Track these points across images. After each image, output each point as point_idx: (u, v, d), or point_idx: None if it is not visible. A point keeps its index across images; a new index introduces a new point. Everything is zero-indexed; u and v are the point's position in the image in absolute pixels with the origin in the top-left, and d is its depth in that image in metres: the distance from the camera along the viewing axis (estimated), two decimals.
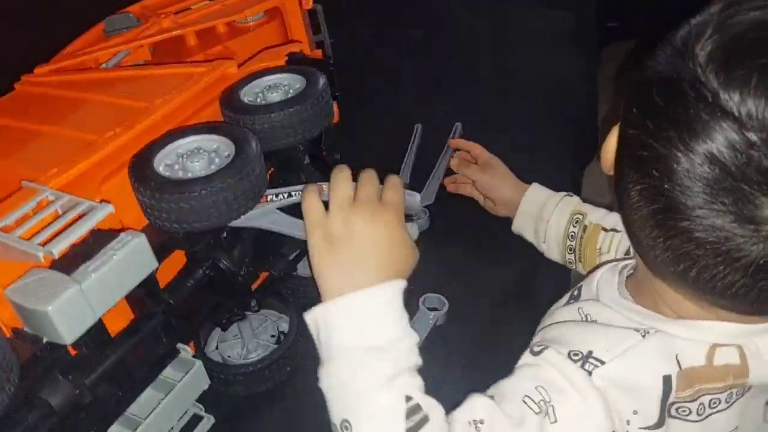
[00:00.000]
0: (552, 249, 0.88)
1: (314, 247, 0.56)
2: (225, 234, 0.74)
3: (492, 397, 0.53)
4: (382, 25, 1.69)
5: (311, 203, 0.58)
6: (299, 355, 0.85)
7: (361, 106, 1.42)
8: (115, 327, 0.70)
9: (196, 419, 0.80)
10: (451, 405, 0.53)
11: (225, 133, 0.70)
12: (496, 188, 0.96)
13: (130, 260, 0.64)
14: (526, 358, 0.55)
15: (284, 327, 0.89)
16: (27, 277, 0.61)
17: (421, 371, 0.54)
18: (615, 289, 0.57)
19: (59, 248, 0.58)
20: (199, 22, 1.02)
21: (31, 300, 0.58)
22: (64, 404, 0.62)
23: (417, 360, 0.54)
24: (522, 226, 0.93)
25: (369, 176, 0.60)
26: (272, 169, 0.86)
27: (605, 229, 0.80)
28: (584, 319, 0.57)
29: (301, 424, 0.81)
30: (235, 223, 0.70)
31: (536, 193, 0.91)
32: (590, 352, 0.51)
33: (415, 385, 0.52)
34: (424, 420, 0.50)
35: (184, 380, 0.74)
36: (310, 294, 0.76)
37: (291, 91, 0.79)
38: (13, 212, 0.62)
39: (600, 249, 0.80)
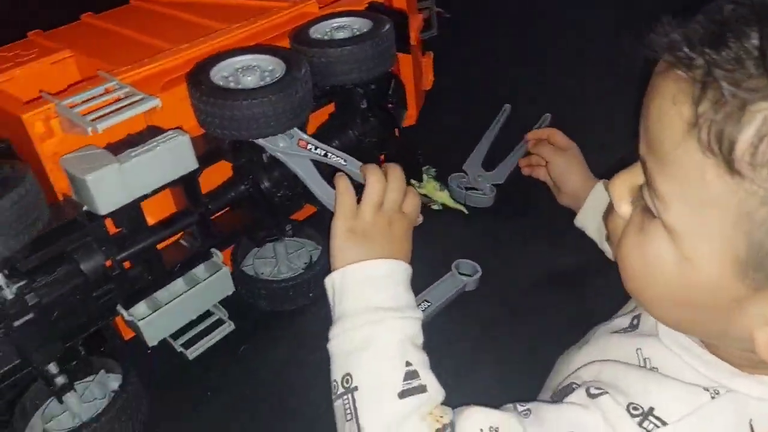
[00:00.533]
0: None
1: (337, 234, 0.58)
2: (267, 156, 0.79)
3: (524, 414, 0.50)
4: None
5: (344, 196, 0.60)
6: (321, 286, 0.89)
7: (456, 77, 1.44)
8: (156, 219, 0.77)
9: (220, 323, 0.86)
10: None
11: (280, 56, 0.75)
12: (567, 175, 0.91)
13: (172, 154, 0.70)
14: (580, 396, 0.49)
15: (317, 257, 0.93)
16: (80, 151, 0.69)
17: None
18: None
19: (104, 125, 0.65)
20: None
21: (77, 169, 0.66)
22: (93, 270, 0.70)
23: (420, 335, 0.54)
24: (585, 221, 0.87)
25: (396, 184, 0.61)
26: (332, 107, 0.91)
27: None
28: (643, 364, 0.50)
29: (310, 351, 0.84)
30: (271, 153, 0.75)
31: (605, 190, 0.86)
32: (651, 409, 0.45)
33: (417, 356, 0.52)
34: (421, 389, 0.50)
35: (209, 279, 0.80)
36: None
37: (356, 32, 0.82)
38: (82, 93, 0.70)
39: None
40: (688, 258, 0.41)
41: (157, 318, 0.76)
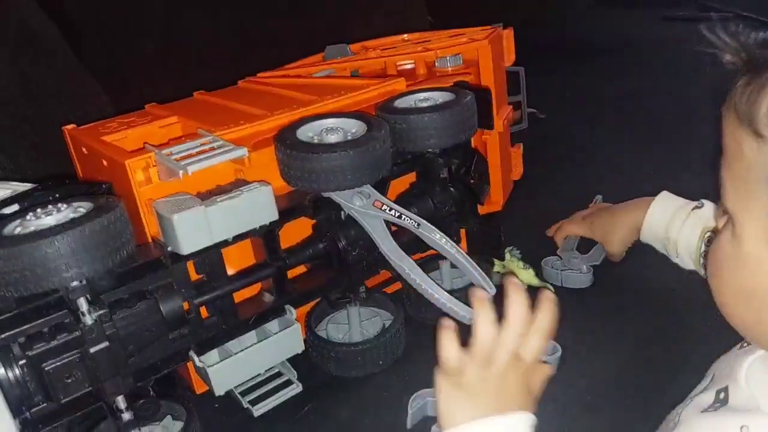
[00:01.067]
0: (686, 262, 0.86)
1: (442, 389, 0.57)
2: (344, 214, 0.81)
3: None
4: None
5: (448, 349, 0.57)
6: (393, 353, 0.88)
7: (547, 170, 1.44)
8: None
9: (288, 383, 0.85)
10: None
11: (363, 119, 0.79)
12: (611, 221, 0.97)
13: (255, 202, 0.74)
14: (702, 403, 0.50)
15: (390, 325, 0.92)
16: (172, 196, 0.74)
17: None
18: None
19: (194, 168, 0.70)
20: (398, 56, 1.15)
21: (165, 209, 0.71)
22: (171, 310, 0.72)
23: None
24: (650, 234, 0.93)
25: (512, 328, 0.56)
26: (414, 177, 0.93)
27: None
28: None
29: (373, 416, 0.82)
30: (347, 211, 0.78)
31: (660, 210, 0.90)
32: None
33: None
34: None
35: (280, 334, 0.80)
36: (429, 304, 0.80)
37: (438, 103, 0.85)
38: (180, 145, 0.76)
39: None
40: (738, 236, 0.45)
41: (226, 366, 0.77)
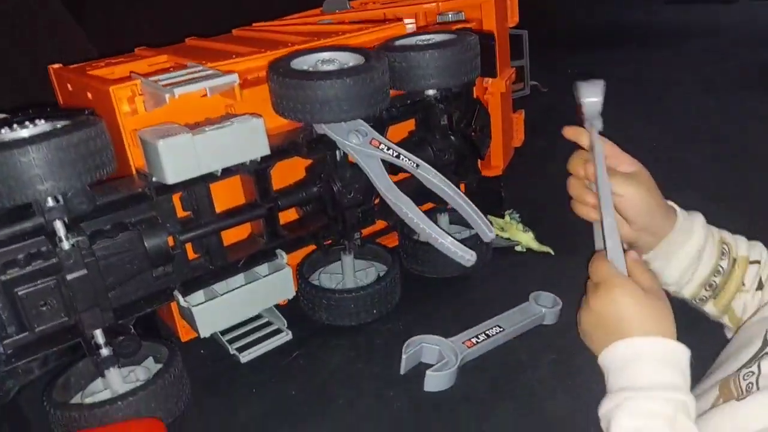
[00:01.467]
0: (689, 287, 0.69)
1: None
2: (340, 154, 0.77)
3: None
4: None
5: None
6: (387, 303, 0.84)
7: (548, 141, 1.41)
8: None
9: (278, 332, 0.82)
10: None
11: (360, 53, 0.75)
12: (644, 209, 0.65)
13: (245, 134, 0.70)
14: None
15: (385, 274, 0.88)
16: (159, 126, 0.70)
17: None
18: None
19: (180, 90, 0.66)
20: (399, 8, 1.11)
21: (151, 137, 0.67)
22: (155, 245, 0.69)
23: (683, 421, 0.49)
24: (666, 262, 0.68)
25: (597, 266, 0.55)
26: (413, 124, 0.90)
27: (752, 262, 0.66)
28: None
29: (364, 363, 0.78)
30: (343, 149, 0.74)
31: (690, 229, 0.68)
32: None
33: None
34: None
35: (269, 277, 0.77)
36: (425, 258, 0.76)
37: (439, 41, 0.82)
38: (168, 73, 0.72)
39: (744, 284, 0.65)
40: None
41: (212, 307, 0.73)
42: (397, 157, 0.75)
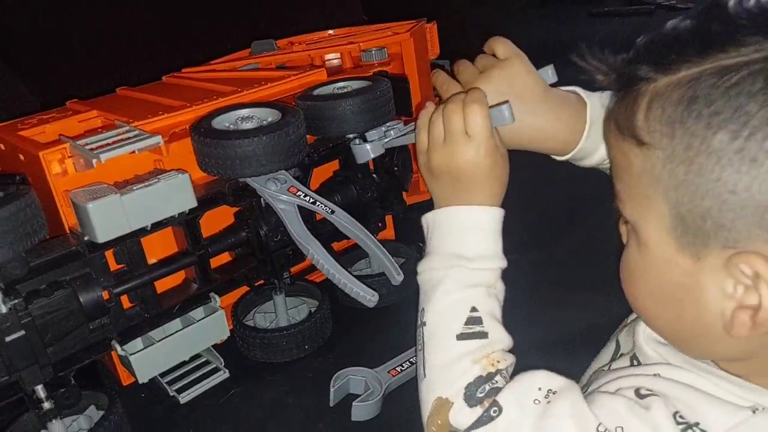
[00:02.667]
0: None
1: (422, 173, 0.60)
2: (264, 202, 0.83)
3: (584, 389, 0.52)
4: None
5: (420, 136, 0.59)
6: (319, 337, 0.90)
7: None
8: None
9: (216, 370, 0.87)
10: None
11: (277, 108, 0.81)
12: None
13: (172, 190, 0.75)
14: (628, 393, 0.49)
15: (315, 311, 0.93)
16: (88, 186, 0.74)
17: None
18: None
19: (107, 155, 0.70)
20: (324, 50, 1.17)
21: (81, 199, 0.71)
22: (90, 300, 0.73)
23: (498, 285, 0.56)
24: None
25: (453, 108, 0.56)
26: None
27: None
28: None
29: (297, 397, 0.83)
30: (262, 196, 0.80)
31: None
32: (697, 424, 0.46)
33: (486, 304, 0.54)
34: (481, 334, 0.52)
35: (204, 320, 0.82)
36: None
37: (353, 89, 0.88)
38: (96, 135, 0.77)
39: None
40: (644, 244, 0.47)
41: (149, 353, 0.78)
42: (313, 203, 0.80)
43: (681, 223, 0.43)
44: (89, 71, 1.39)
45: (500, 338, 0.53)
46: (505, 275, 0.57)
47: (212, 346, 0.87)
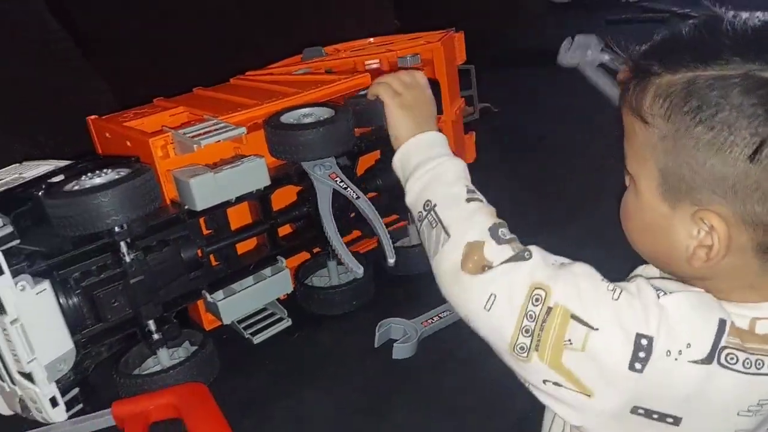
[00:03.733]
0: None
1: (393, 111, 0.82)
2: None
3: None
4: None
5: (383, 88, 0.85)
6: (364, 296, 1.09)
7: (498, 157, 1.66)
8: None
9: (280, 319, 1.06)
10: None
11: (331, 107, 0.99)
12: None
13: (252, 171, 0.94)
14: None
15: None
16: (187, 167, 0.94)
17: None
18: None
19: (205, 142, 0.90)
20: (366, 56, 1.36)
21: (184, 176, 0.90)
22: (188, 256, 0.93)
23: (468, 173, 0.73)
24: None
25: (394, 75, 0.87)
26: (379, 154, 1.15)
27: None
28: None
29: (348, 345, 1.02)
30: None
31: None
32: (665, 290, 0.60)
33: (469, 182, 0.71)
34: (479, 198, 0.69)
35: (273, 277, 1.01)
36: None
37: None
38: (191, 127, 0.96)
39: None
40: (639, 191, 0.62)
41: (231, 301, 0.97)
42: (345, 188, 0.97)
43: (665, 182, 0.58)
44: (159, 72, 1.59)
45: (489, 207, 0.69)
46: None
47: (278, 301, 1.06)
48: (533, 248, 0.63)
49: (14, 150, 1.28)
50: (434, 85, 1.22)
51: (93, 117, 1.13)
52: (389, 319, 1.01)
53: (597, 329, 0.58)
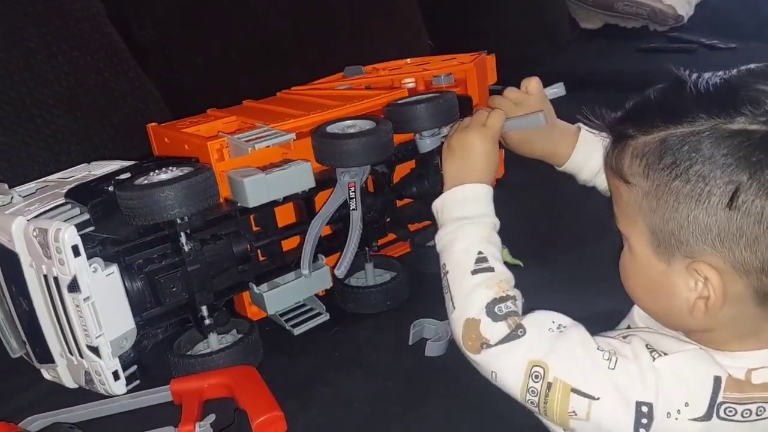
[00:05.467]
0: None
1: (444, 153, 0.86)
2: (361, 187, 1.08)
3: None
4: None
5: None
6: (399, 296, 1.16)
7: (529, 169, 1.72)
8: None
9: (319, 314, 1.13)
10: None
11: (373, 119, 1.07)
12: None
13: (299, 173, 1.02)
14: (612, 334, 0.66)
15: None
16: (240, 168, 1.03)
17: None
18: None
19: (259, 146, 0.98)
20: (402, 75, 1.45)
21: (238, 176, 0.99)
22: (239, 249, 1.01)
23: (495, 236, 0.78)
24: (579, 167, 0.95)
25: (480, 111, 0.88)
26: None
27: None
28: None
29: (384, 341, 1.08)
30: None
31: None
32: (658, 350, 0.62)
33: (487, 249, 0.75)
34: (489, 269, 0.72)
35: (314, 273, 1.08)
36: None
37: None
38: (245, 132, 1.05)
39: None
40: (633, 251, 0.66)
41: (276, 293, 1.05)
42: (351, 198, 1.04)
43: (655, 239, 0.62)
44: (207, 85, 1.70)
45: (503, 271, 0.73)
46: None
47: (317, 297, 1.14)
48: (527, 323, 0.66)
49: (72, 152, 1.38)
50: (467, 100, 1.32)
51: (153, 124, 1.23)
52: (423, 319, 1.07)
53: (598, 399, 0.61)
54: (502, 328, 0.67)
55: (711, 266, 0.58)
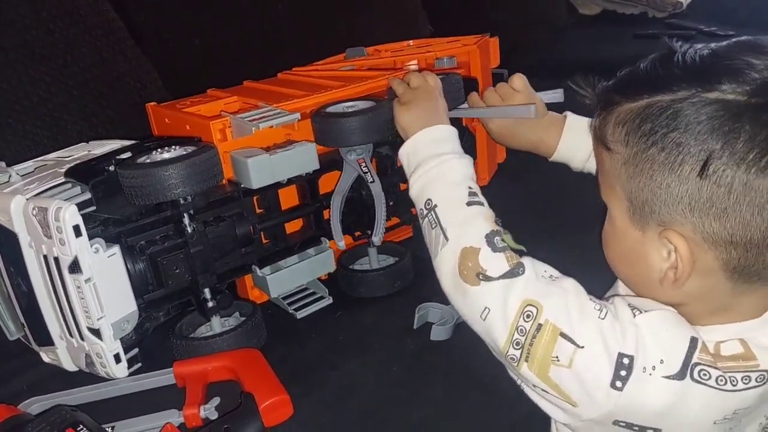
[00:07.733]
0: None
1: (397, 111, 0.89)
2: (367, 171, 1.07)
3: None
4: None
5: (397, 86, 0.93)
6: (403, 279, 1.14)
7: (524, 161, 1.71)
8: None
9: (322, 298, 1.12)
10: None
11: (372, 99, 1.05)
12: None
13: (303, 154, 1.00)
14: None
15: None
16: (243, 149, 1.01)
17: None
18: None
19: (263, 125, 0.96)
20: (405, 57, 1.43)
21: (242, 156, 0.97)
22: (242, 231, 0.99)
23: (474, 173, 0.77)
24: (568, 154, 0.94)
25: (415, 74, 0.94)
26: None
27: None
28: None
29: (389, 324, 1.07)
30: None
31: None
32: (639, 309, 0.62)
33: (474, 184, 0.74)
34: (481, 202, 0.72)
35: (317, 256, 1.07)
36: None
37: None
38: (248, 112, 1.03)
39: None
40: (612, 219, 0.65)
41: (279, 276, 1.03)
42: (366, 172, 1.03)
43: (632, 207, 0.61)
44: (207, 67, 1.67)
45: (489, 211, 0.73)
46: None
47: (319, 280, 1.12)
48: (526, 262, 0.66)
49: (69, 130, 1.36)
50: (472, 82, 1.30)
51: (152, 104, 1.20)
52: (428, 303, 1.06)
53: (582, 347, 0.60)
54: (502, 262, 0.66)
55: (681, 235, 0.58)
